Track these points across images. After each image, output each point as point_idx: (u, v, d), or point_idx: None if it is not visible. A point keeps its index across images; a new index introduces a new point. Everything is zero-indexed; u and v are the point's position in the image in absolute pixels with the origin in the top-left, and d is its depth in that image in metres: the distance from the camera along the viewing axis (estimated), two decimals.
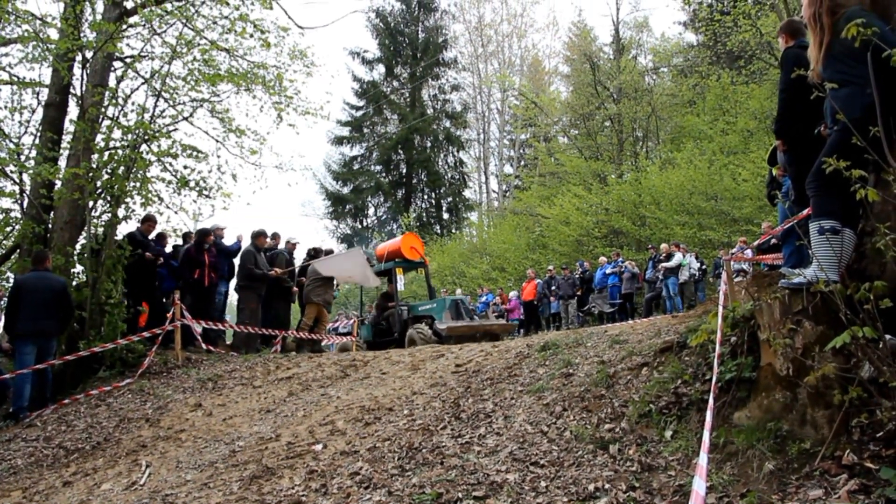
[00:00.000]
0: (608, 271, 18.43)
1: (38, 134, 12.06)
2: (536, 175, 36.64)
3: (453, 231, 38.64)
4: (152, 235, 12.17)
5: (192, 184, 12.16)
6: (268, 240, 13.20)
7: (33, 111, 12.43)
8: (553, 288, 19.76)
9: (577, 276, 19.90)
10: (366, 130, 38.36)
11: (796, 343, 3.99)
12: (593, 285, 18.94)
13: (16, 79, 12.73)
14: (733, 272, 8.92)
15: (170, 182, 12.08)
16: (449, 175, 39.83)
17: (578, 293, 19.42)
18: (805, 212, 5.22)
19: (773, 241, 9.04)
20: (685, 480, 3.89)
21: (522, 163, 42.64)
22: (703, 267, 17.23)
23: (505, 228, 32.40)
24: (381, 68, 37.76)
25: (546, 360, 7.01)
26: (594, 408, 5.31)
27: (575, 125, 34.44)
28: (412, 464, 4.98)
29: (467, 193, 41.54)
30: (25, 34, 12.20)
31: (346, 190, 38.15)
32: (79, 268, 11.04)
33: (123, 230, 11.89)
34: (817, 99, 4.32)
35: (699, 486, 2.90)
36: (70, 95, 12.35)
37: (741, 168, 20.79)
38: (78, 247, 11.31)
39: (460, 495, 4.19)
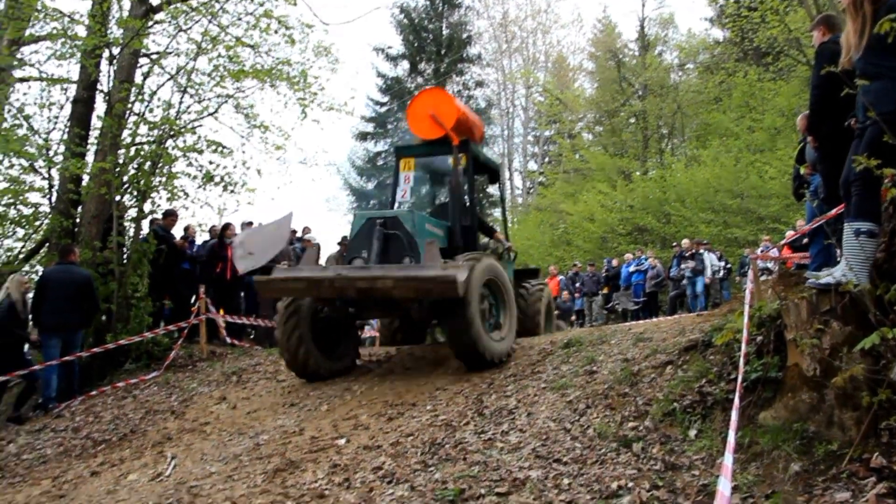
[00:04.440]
0: (632, 269, 18.33)
1: (67, 130, 12.19)
2: (561, 171, 36.47)
3: None
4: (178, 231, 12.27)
5: (217, 179, 12.23)
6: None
7: (61, 107, 12.54)
8: (577, 284, 19.68)
9: (601, 272, 19.81)
10: (390, 126, 38.37)
11: (824, 343, 3.95)
12: (618, 282, 18.84)
13: (45, 75, 12.89)
14: (759, 271, 8.85)
15: (195, 177, 12.16)
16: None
17: (603, 291, 19.32)
18: (834, 210, 5.16)
19: (805, 240, 8.96)
20: (709, 480, 3.87)
21: (547, 159, 42.47)
22: (728, 266, 17.09)
23: (529, 225, 32.27)
24: (405, 64, 37.73)
25: (569, 357, 7.01)
26: (618, 405, 5.30)
27: (600, 122, 34.27)
28: (435, 459, 4.99)
29: (491, 190, 41.44)
30: (54, 31, 12.36)
31: (370, 185, 38.18)
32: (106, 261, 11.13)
33: (146, 226, 12.00)
34: (850, 95, 4.25)
35: (724, 486, 2.88)
36: (97, 91, 12.47)
37: (768, 166, 20.57)
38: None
39: (483, 491, 4.19)
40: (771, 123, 22.59)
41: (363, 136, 38.59)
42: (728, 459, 3.14)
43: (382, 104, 38.54)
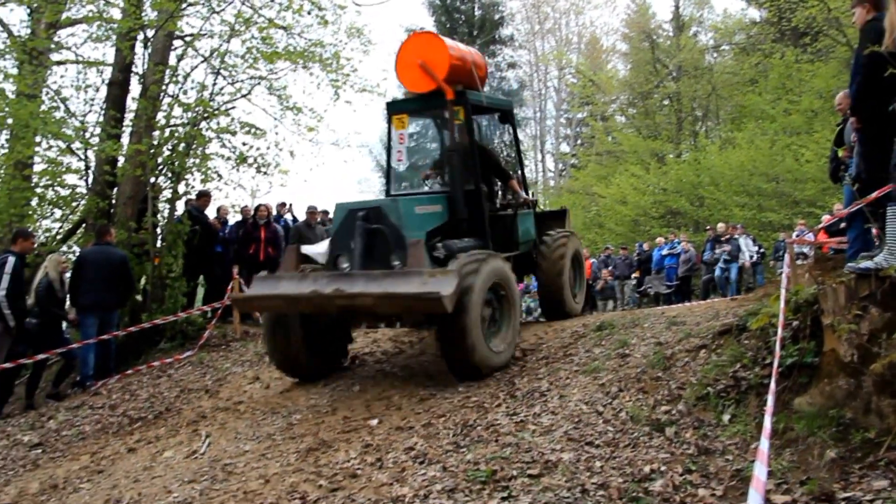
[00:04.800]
0: (665, 252, 18.17)
1: (102, 112, 12.33)
2: (593, 154, 36.20)
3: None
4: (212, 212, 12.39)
5: (250, 160, 12.31)
6: (319, 215, 13.28)
7: (97, 89, 12.68)
8: (609, 267, 19.55)
9: (634, 256, 19.67)
10: None
11: (862, 329, 3.90)
12: (649, 266, 18.69)
13: (81, 58, 13.04)
14: (795, 255, 8.72)
15: (228, 158, 12.25)
16: (504, 153, 39.53)
17: (636, 275, 19.18)
18: (875, 194, 5.07)
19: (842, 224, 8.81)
20: (743, 465, 3.85)
21: (579, 141, 42.19)
22: (762, 250, 16.89)
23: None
24: None
25: (602, 341, 6.98)
26: (650, 389, 5.28)
27: (633, 103, 33.88)
28: (467, 440, 5.02)
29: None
30: (90, 14, 12.47)
31: (402, 167, 38.16)
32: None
33: (181, 206, 12.12)
34: (894, 77, 4.15)
35: (760, 471, 2.86)
36: (132, 74, 12.60)
37: (804, 149, 20.25)
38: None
39: (515, 473, 4.21)
40: (808, 106, 22.19)
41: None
42: (764, 445, 3.12)
43: None
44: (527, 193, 9.20)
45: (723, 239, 16.65)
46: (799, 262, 8.00)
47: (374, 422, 5.86)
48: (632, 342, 6.56)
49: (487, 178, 8.50)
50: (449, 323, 6.29)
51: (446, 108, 7.85)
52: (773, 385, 3.85)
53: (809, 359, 4.36)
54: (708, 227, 18.80)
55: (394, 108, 8.44)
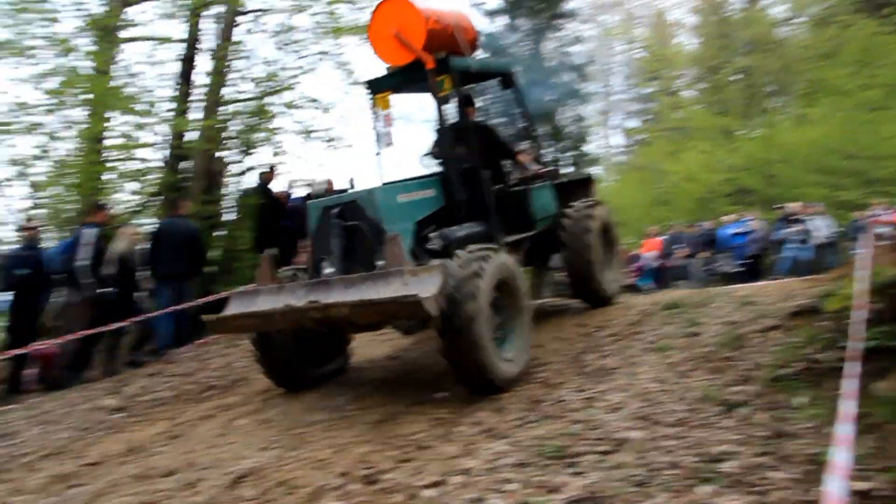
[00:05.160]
0: (734, 231, 17.80)
1: (173, 87, 12.62)
2: (660, 130, 35.61)
3: None
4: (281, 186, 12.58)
5: (316, 134, 12.47)
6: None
7: (167, 66, 12.98)
8: (682, 245, 19.21)
9: (703, 234, 19.29)
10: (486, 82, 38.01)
11: None
12: (719, 244, 18.33)
13: (151, 35, 13.34)
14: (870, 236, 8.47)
15: (295, 133, 12.43)
16: (570, 129, 39.13)
17: (705, 253, 18.83)
18: None
19: None
20: (819, 450, 3.77)
21: (646, 117, 41.55)
22: (837, 230, 16.42)
23: (627, 184, 31.71)
24: (502, 20, 37.28)
25: (671, 319, 6.92)
26: (721, 369, 5.22)
27: (702, 78, 33.16)
28: (534, 415, 5.04)
29: (589, 148, 40.80)
30: None
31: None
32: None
33: (249, 180, 12.35)
34: None
35: (842, 456, 2.81)
36: (200, 50, 12.84)
37: (883, 125, 19.56)
38: None
39: (584, 449, 4.22)
40: (888, 80, 21.39)
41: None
42: (845, 429, 3.06)
43: None
44: (541, 164, 8.23)
45: (795, 218, 16.24)
46: (876, 242, 7.78)
47: (443, 395, 5.93)
48: (702, 321, 6.49)
49: (491, 156, 7.65)
50: (452, 334, 5.45)
51: (429, 80, 6.87)
52: (851, 368, 3.77)
53: (890, 342, 4.26)
54: (778, 206, 18.35)
55: (374, 87, 7.50)
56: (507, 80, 7.98)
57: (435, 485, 4.07)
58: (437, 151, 7.71)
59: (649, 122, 40.06)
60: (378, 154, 7.60)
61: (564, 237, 7.77)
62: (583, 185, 8.64)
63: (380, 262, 5.90)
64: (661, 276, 18.80)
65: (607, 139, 43.38)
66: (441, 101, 6.96)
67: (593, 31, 42.20)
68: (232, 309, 6.47)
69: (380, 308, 5.28)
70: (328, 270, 6.15)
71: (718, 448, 3.96)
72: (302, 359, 6.89)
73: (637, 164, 34.32)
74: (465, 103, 7.63)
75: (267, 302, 6.12)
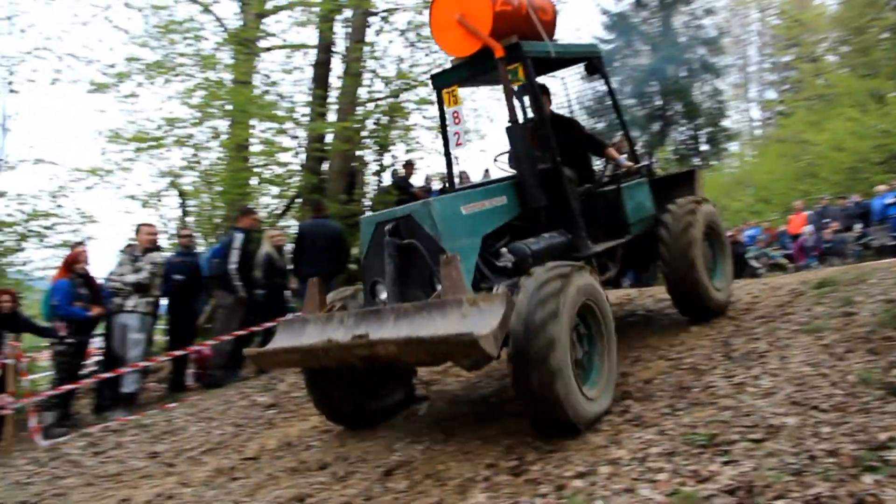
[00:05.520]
0: (888, 201, 16.71)
1: (309, 92, 13.10)
2: (802, 99, 33.87)
3: (713, 163, 36.86)
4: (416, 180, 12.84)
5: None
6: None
7: (303, 71, 13.49)
8: (826, 220, 18.25)
9: (854, 206, 18.21)
10: (617, 64, 37.34)
11: None
12: (872, 216, 17.27)
13: (286, 43, 13.91)
14: None
15: (430, 128, 12.64)
16: (706, 105, 37.81)
17: (858, 227, 17.77)
18: None
19: None
20: None
21: (786, 87, 39.62)
22: None
23: (769, 158, 30.41)
24: None
25: (823, 298, 6.60)
26: (882, 350, 4.95)
27: (846, 41, 31.27)
28: (683, 403, 4.94)
29: (726, 123, 39.34)
30: (293, 1, 13.24)
31: (599, 126, 37.57)
32: None
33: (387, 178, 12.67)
34: None
35: None
36: (334, 53, 13.26)
37: None
38: None
39: (735, 437, 4.09)
40: None
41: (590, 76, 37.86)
42: None
43: (608, 41, 37.65)
44: (635, 158, 7.31)
45: None
46: None
47: None
48: (857, 299, 6.17)
49: (575, 152, 6.75)
50: (524, 368, 4.61)
51: (499, 69, 5.98)
52: None
53: None
54: None
55: (440, 81, 6.74)
56: (592, 66, 7.02)
57: (583, 475, 4.06)
58: (511, 152, 6.64)
59: (789, 91, 38.23)
60: (452, 156, 7.04)
61: (662, 241, 6.76)
62: (686, 181, 7.66)
63: (440, 287, 5.00)
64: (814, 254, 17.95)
65: (746, 112, 41.66)
66: (511, 95, 6.08)
67: (725, 2, 40.67)
68: (276, 342, 5.74)
69: (430, 347, 4.43)
70: (382, 296, 5.46)
71: (883, 435, 3.73)
72: (358, 391, 6.03)
73: (778, 136, 32.80)
74: (540, 94, 6.47)
75: (313, 334, 5.37)
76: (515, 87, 6.25)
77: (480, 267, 5.44)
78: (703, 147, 37.70)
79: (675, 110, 37.21)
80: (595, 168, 7.25)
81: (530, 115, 6.87)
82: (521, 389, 4.71)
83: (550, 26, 6.58)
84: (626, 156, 7.29)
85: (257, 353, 5.75)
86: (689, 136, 37.97)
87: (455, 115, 6.54)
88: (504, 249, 5.67)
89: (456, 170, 7.50)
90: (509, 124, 6.08)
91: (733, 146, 39.64)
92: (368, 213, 5.82)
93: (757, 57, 41.63)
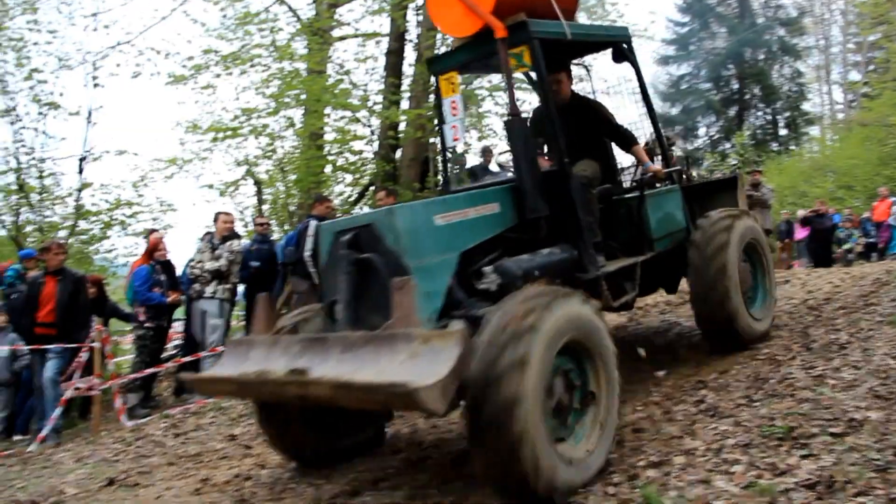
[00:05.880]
0: None
1: (383, 80, 13.22)
2: (890, 80, 32.60)
3: (792, 148, 35.83)
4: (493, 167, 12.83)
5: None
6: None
7: (376, 60, 13.61)
8: None
9: None
10: (692, 47, 36.59)
11: None
12: None
13: (359, 32, 14.05)
14: None
15: (502, 115, 12.63)
16: (785, 88, 36.72)
17: None
18: None
19: None
20: None
21: (871, 67, 38.15)
22: None
23: (852, 142, 29.37)
24: None
25: None
26: None
27: None
28: (760, 394, 4.84)
29: (807, 106, 38.13)
30: None
31: (674, 111, 36.92)
32: None
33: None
34: None
35: None
36: (406, 41, 13.34)
37: None
38: None
39: (815, 430, 3.99)
40: None
41: (665, 61, 37.34)
42: None
43: (683, 24, 36.93)
44: (666, 159, 6.25)
45: None
46: None
47: (662, 373, 5.84)
48: None
49: (596, 144, 5.91)
50: (481, 431, 3.54)
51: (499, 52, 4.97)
52: None
53: None
54: None
55: (437, 66, 5.79)
56: (619, 52, 5.98)
57: (656, 465, 4.03)
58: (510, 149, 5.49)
59: (875, 73, 36.83)
60: (451, 151, 6.14)
61: (691, 265, 5.81)
62: (727, 189, 6.67)
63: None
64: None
65: (829, 95, 40.27)
66: (510, 83, 5.20)
67: None
68: (218, 366, 4.85)
69: (365, 395, 3.45)
70: (340, 316, 4.52)
71: None
72: (319, 427, 4.94)
73: (862, 119, 31.64)
74: (544, 85, 5.28)
75: (253, 362, 4.30)
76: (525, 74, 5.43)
77: (455, 290, 4.48)
78: (782, 131, 36.70)
79: (753, 94, 36.30)
80: (620, 167, 6.41)
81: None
82: (478, 453, 3.66)
83: (572, 5, 5.68)
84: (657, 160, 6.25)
85: (194, 380, 4.98)
86: (767, 120, 37.02)
87: (453, 105, 5.51)
88: (488, 269, 4.66)
89: (469, 161, 6.66)
90: (508, 117, 5.13)
91: (814, 130, 38.49)
92: (327, 221, 5.16)
93: (840, 37, 40.13)
